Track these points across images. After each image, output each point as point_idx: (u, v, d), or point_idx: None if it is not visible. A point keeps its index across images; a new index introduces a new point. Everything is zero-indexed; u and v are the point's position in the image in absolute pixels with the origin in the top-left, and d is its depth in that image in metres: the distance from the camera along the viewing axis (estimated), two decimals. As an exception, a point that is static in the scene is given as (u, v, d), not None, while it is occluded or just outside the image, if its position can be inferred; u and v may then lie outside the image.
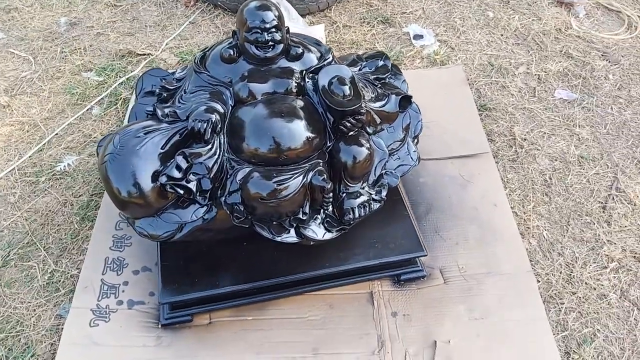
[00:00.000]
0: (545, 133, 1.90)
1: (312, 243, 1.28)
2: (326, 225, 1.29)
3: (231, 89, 1.29)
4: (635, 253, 1.56)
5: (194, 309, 1.40)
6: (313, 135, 1.26)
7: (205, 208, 1.26)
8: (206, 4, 2.39)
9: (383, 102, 1.36)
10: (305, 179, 1.22)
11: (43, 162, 1.77)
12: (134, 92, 1.43)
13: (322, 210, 1.29)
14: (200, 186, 1.22)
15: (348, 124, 1.26)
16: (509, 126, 1.92)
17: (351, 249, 1.42)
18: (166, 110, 1.26)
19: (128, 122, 1.40)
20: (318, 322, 1.42)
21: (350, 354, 1.35)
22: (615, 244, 1.59)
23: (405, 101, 1.40)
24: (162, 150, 1.21)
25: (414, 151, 1.43)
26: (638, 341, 1.39)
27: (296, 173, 1.22)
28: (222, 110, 1.25)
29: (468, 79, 2.06)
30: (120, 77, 2.05)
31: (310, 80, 1.31)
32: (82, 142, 1.83)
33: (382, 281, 1.49)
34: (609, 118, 1.95)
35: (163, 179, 1.19)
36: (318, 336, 1.39)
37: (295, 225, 1.26)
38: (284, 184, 1.19)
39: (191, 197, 1.23)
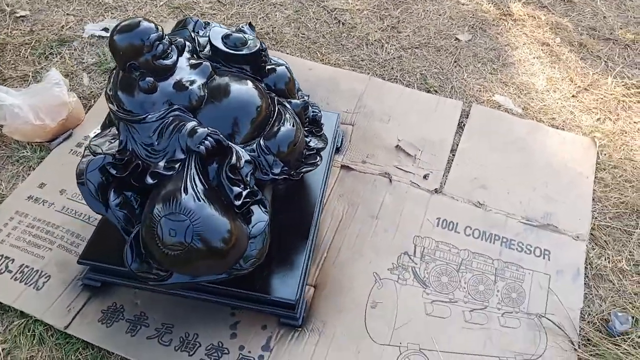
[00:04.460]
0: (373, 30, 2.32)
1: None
2: (316, 133, 1.51)
3: (178, 106, 1.23)
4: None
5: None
6: (257, 84, 1.37)
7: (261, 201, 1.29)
8: None
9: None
10: (291, 111, 1.38)
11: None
12: (87, 195, 1.17)
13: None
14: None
15: (264, 58, 1.42)
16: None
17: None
18: (163, 164, 1.16)
19: (122, 227, 1.17)
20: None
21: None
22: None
23: (251, 26, 1.59)
24: (207, 188, 1.16)
25: (278, 59, 1.68)
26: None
27: (286, 112, 1.36)
28: (197, 122, 1.23)
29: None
30: None
31: (208, 54, 1.37)
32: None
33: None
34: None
35: (238, 202, 1.17)
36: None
37: (313, 147, 1.44)
38: (296, 123, 1.34)
39: (256, 197, 1.25)
